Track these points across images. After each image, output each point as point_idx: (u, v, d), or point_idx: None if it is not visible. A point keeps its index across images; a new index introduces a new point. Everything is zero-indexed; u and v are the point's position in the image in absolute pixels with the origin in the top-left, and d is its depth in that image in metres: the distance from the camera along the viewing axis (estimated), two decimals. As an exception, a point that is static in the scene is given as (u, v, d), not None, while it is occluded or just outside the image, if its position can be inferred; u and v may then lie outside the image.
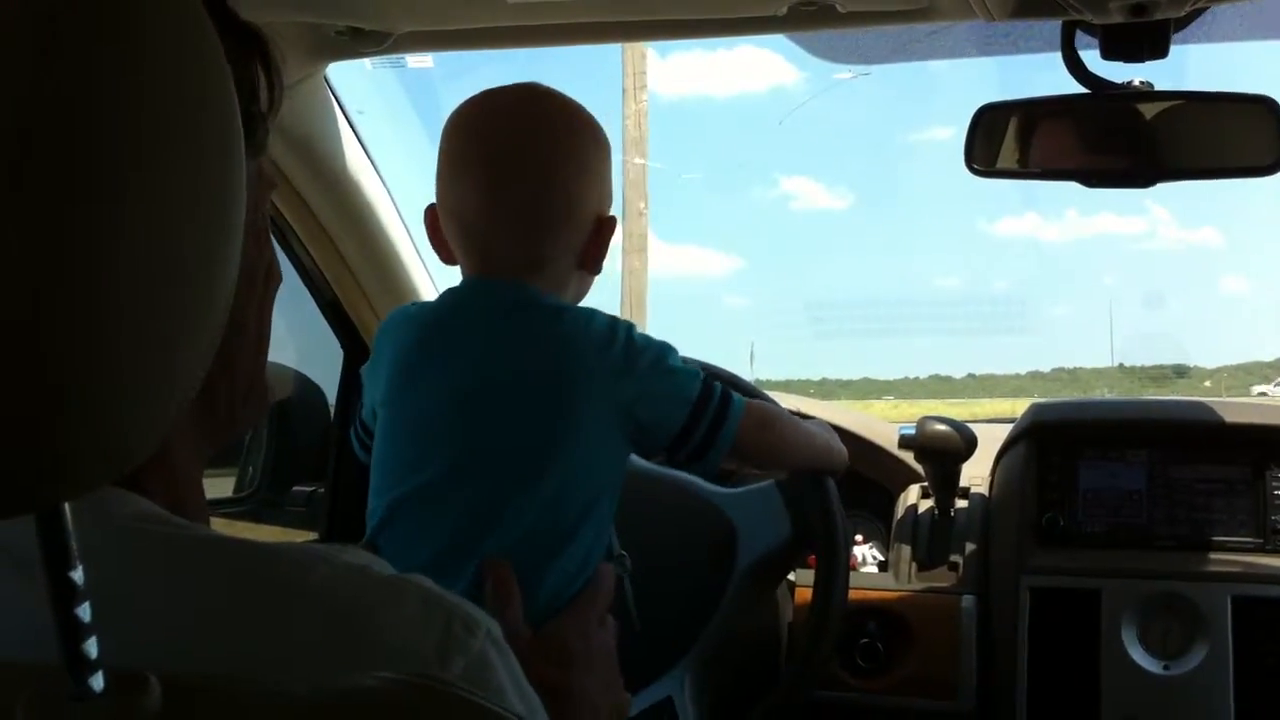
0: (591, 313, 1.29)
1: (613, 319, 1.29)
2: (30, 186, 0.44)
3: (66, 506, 0.50)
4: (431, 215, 1.34)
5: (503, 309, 1.28)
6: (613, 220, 1.33)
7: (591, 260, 1.32)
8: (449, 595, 0.66)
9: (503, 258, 1.29)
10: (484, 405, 1.24)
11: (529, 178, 1.28)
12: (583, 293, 1.36)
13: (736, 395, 1.34)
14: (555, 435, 1.24)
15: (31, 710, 0.51)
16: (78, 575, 0.50)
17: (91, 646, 0.51)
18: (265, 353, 0.77)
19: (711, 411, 1.30)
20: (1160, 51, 1.51)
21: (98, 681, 0.51)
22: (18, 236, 0.44)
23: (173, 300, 0.49)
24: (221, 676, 0.55)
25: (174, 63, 0.50)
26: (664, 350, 1.30)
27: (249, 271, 0.72)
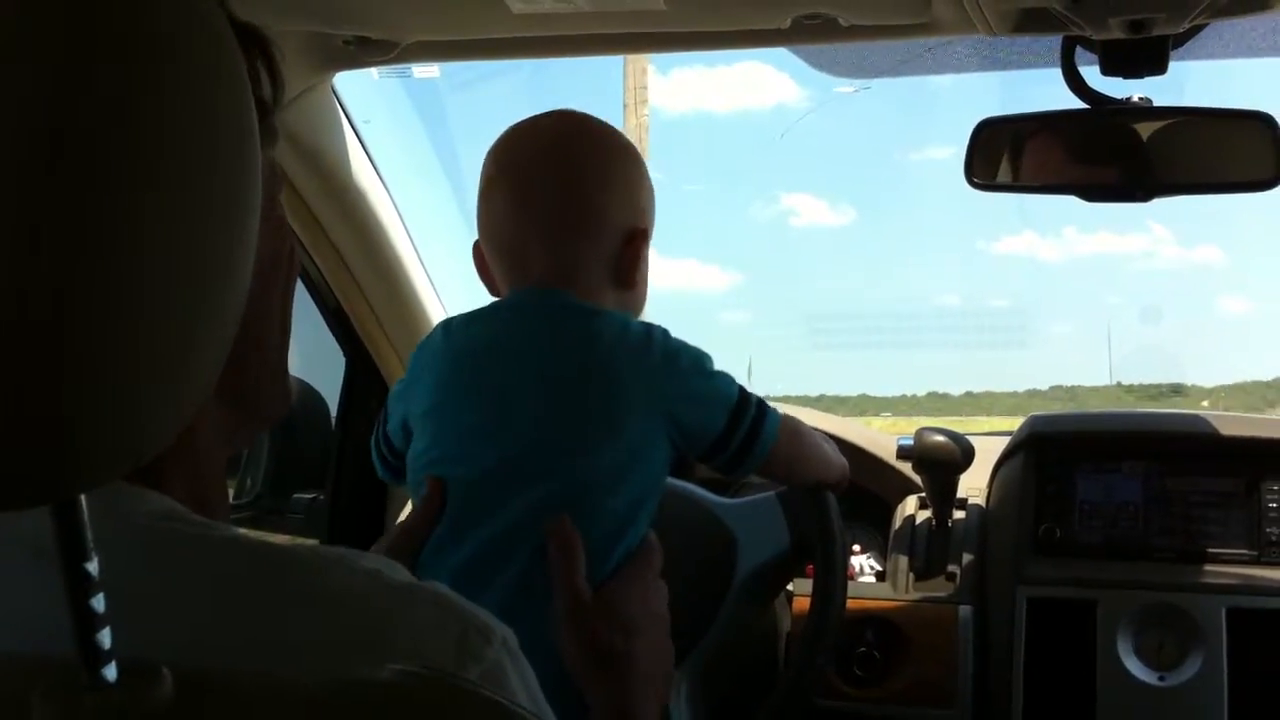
0: (626, 317, 1.31)
1: (646, 324, 1.31)
2: (54, 186, 0.45)
3: (82, 498, 0.51)
4: (476, 251, 1.37)
5: (544, 313, 1.29)
6: (644, 234, 1.34)
7: (624, 271, 1.32)
8: (465, 603, 0.66)
9: (536, 266, 1.31)
10: (534, 404, 1.25)
11: (552, 184, 1.30)
12: (624, 309, 1.35)
13: (772, 407, 1.35)
14: (599, 434, 1.25)
15: (46, 700, 0.51)
16: (92, 566, 0.51)
17: (105, 637, 0.51)
18: (288, 339, 0.77)
19: (749, 419, 1.32)
20: (1159, 68, 1.52)
21: (110, 672, 0.51)
22: (42, 232, 0.45)
23: (190, 295, 0.50)
24: (232, 669, 0.56)
25: (194, 68, 0.51)
26: (701, 354, 1.31)
27: (273, 259, 0.74)
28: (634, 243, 1.32)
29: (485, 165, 1.35)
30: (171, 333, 0.50)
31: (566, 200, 1.30)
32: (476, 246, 1.37)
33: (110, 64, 0.47)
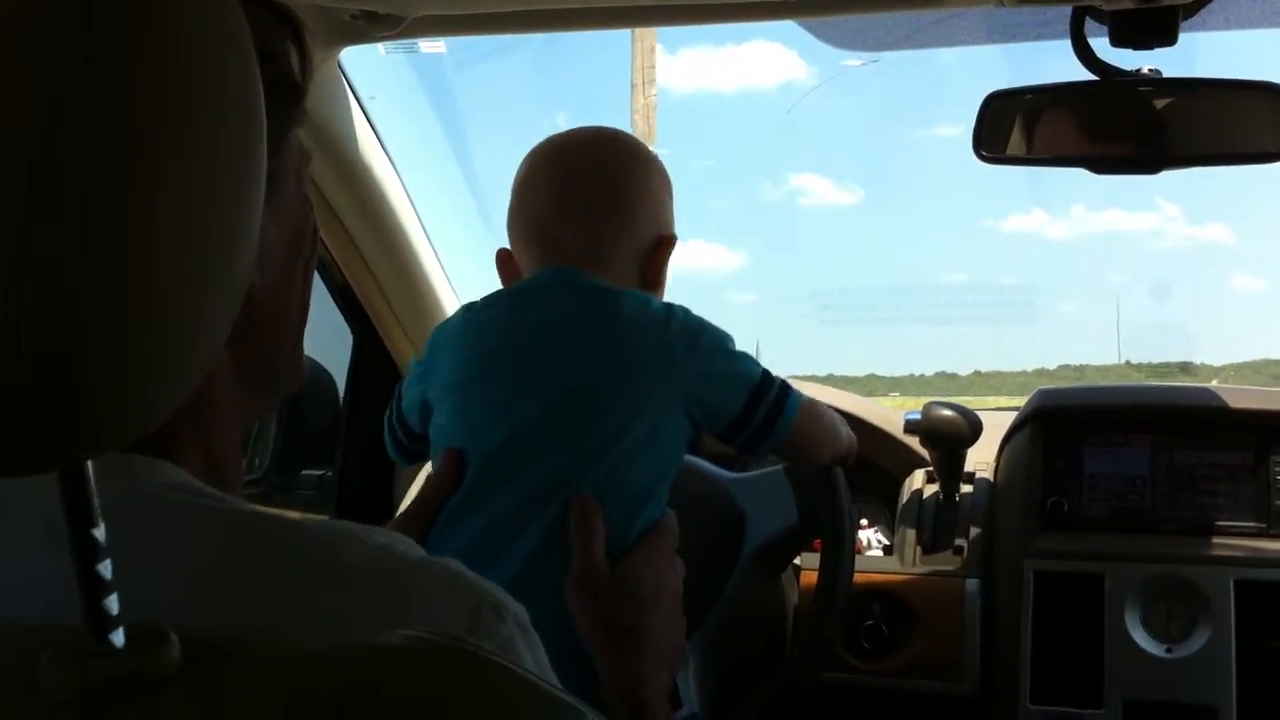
0: (647, 296, 1.34)
1: (668, 303, 1.35)
2: (60, 154, 0.45)
3: (89, 464, 0.51)
4: (501, 256, 1.41)
5: (566, 289, 1.32)
6: (672, 240, 1.40)
7: (651, 273, 1.38)
8: (478, 579, 0.66)
9: (568, 246, 1.34)
10: (553, 376, 1.27)
11: (595, 176, 1.36)
12: None
13: (795, 389, 1.37)
14: (617, 408, 1.26)
15: (53, 666, 0.51)
16: (99, 533, 0.51)
17: (112, 603, 0.51)
18: (307, 312, 0.78)
19: (770, 399, 1.33)
20: (1169, 38, 1.51)
21: (118, 637, 0.51)
22: (47, 201, 0.45)
23: (196, 258, 0.50)
24: (241, 634, 0.56)
25: (201, 41, 0.50)
26: (723, 334, 1.34)
27: (296, 234, 0.74)
28: (662, 248, 1.38)
29: (525, 162, 1.39)
30: (178, 297, 0.50)
31: (606, 191, 1.36)
32: (501, 252, 1.41)
33: (114, 31, 0.47)
